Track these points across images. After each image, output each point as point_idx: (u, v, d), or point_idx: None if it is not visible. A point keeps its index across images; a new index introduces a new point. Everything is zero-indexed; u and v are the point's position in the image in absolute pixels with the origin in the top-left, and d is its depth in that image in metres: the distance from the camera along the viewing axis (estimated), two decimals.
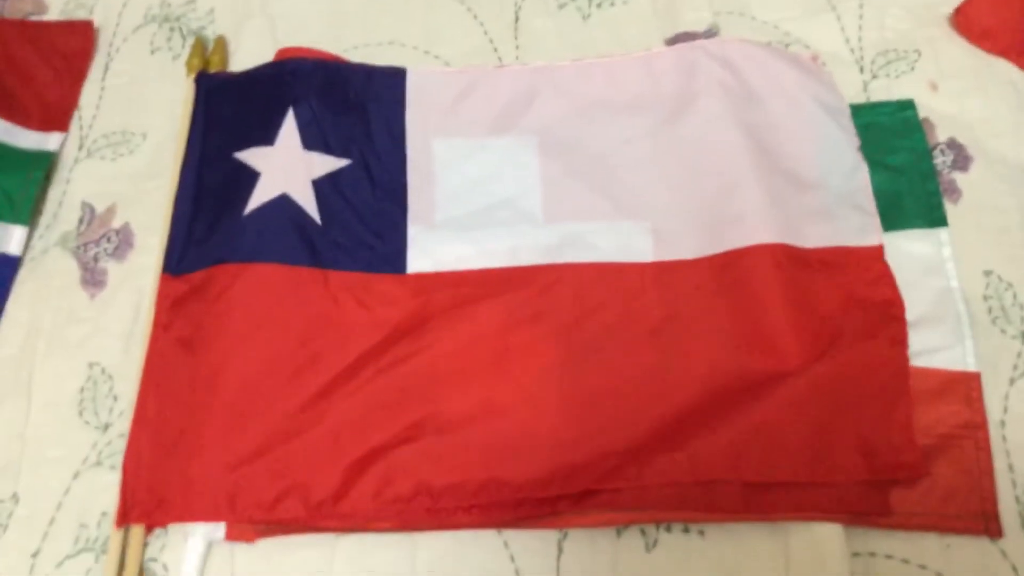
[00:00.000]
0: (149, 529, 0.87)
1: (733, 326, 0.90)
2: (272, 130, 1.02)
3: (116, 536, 0.85)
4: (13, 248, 1.02)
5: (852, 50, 1.10)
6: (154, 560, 0.86)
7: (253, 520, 0.85)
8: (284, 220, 0.97)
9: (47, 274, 1.02)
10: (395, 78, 1.07)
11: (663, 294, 0.93)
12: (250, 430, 0.87)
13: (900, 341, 0.89)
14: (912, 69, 1.07)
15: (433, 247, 0.97)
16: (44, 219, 1.06)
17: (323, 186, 1.00)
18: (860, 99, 1.06)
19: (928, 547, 0.82)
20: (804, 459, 0.83)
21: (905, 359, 0.88)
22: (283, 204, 0.97)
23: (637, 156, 1.02)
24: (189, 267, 0.96)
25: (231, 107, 1.06)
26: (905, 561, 0.82)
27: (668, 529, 0.85)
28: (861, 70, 1.08)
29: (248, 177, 0.99)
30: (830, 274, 0.93)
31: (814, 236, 0.95)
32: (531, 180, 1.01)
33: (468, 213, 1.00)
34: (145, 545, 0.86)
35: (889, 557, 0.82)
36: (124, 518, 0.85)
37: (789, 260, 0.92)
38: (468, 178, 1.02)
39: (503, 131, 1.04)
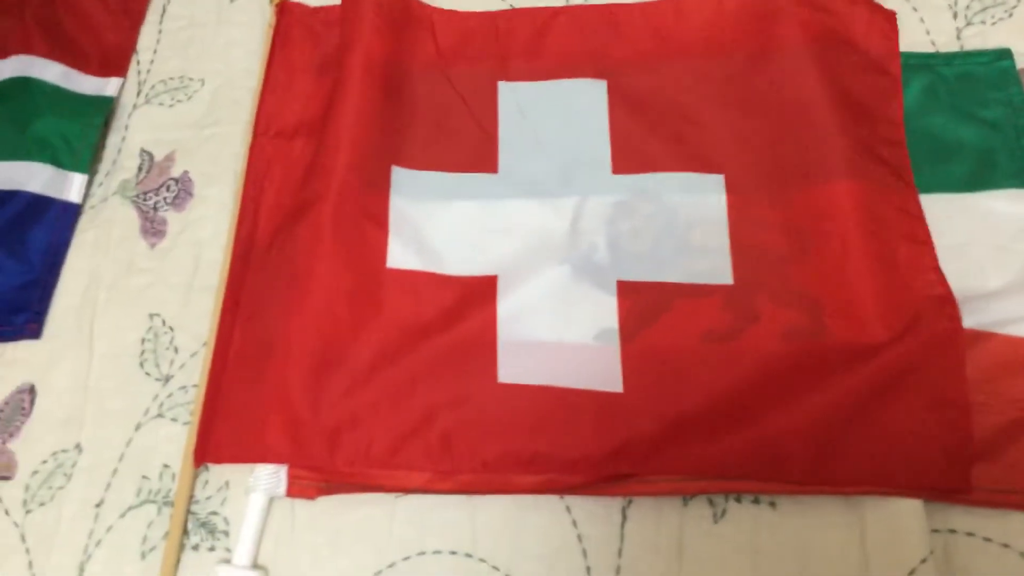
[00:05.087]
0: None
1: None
2: None
3: (183, 487, 0.86)
4: (74, 196, 1.01)
5: None
6: (215, 514, 0.86)
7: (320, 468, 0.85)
8: None
9: (107, 223, 1.01)
10: None
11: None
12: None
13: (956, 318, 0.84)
14: (1010, 15, 1.00)
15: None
16: (103, 167, 1.05)
17: None
18: (953, 47, 1.00)
19: (1012, 526, 0.78)
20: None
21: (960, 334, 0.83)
22: None
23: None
24: None
25: None
26: (987, 540, 0.78)
27: (738, 499, 0.82)
28: (955, 16, 1.01)
29: None
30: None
31: None
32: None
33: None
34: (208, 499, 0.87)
35: (971, 535, 0.78)
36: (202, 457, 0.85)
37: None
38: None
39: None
